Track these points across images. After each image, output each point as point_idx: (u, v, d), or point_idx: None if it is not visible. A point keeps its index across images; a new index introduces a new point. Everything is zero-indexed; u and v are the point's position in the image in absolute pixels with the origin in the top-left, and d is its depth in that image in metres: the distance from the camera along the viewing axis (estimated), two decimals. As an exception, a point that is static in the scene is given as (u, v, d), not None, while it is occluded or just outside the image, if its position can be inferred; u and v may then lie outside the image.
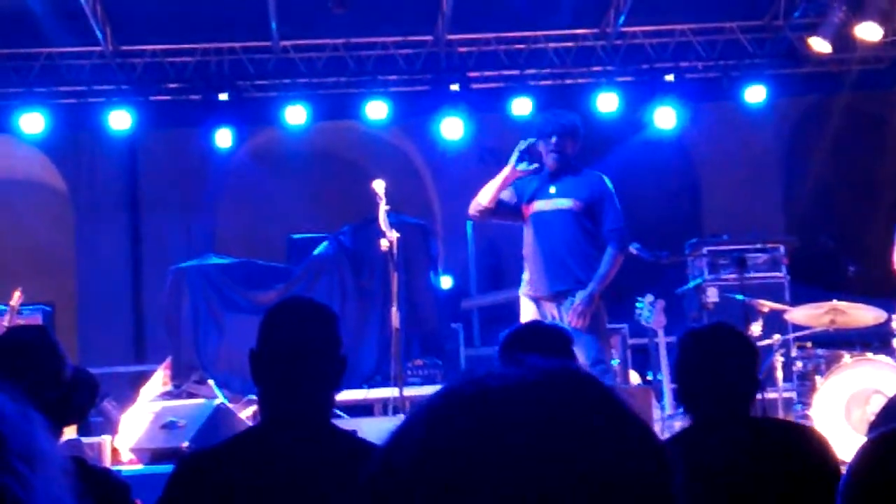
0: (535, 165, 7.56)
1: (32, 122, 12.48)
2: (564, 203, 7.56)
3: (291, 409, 3.25)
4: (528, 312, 7.65)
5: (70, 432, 9.05)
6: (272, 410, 3.29)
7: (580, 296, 7.39)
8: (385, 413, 10.13)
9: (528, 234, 7.70)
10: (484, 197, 7.66)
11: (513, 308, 9.86)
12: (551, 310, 7.53)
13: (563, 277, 7.49)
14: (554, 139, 7.57)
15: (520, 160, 7.53)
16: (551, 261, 7.53)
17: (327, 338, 3.33)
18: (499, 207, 7.69)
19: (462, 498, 1.05)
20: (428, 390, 10.30)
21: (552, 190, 7.63)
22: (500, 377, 1.12)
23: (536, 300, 7.59)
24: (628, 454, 1.09)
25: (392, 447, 1.13)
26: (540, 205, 7.62)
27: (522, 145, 7.57)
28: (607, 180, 7.70)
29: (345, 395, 10.31)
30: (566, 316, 7.42)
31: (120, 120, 12.62)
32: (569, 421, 1.08)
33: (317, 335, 3.32)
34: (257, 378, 3.29)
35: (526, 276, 7.71)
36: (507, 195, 7.69)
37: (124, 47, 12.55)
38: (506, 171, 7.57)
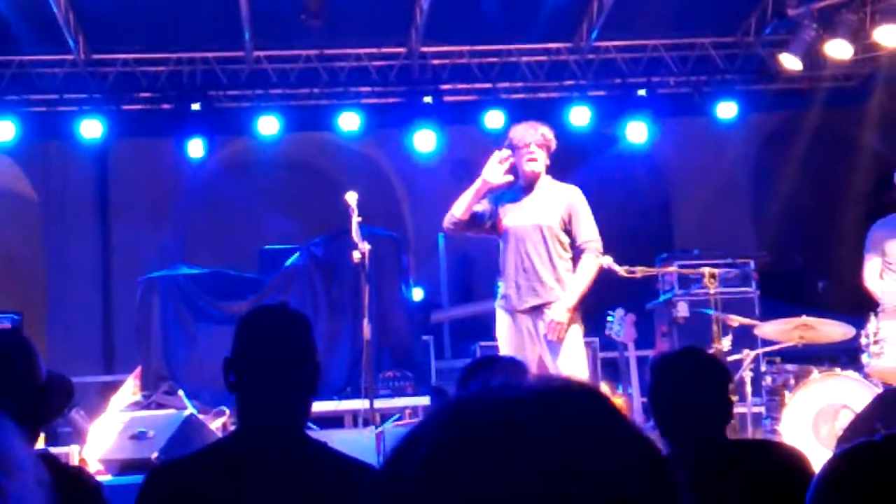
0: (510, 178, 7.57)
1: (3, 130, 12.38)
2: (539, 217, 7.57)
3: (268, 416, 3.25)
4: (503, 325, 7.65)
5: (38, 443, 8.99)
6: (248, 418, 3.28)
7: (556, 308, 7.40)
8: (355, 425, 10.11)
9: (503, 248, 7.69)
10: (458, 209, 7.65)
11: (484, 321, 9.86)
12: (527, 323, 7.52)
13: (539, 292, 7.49)
14: (532, 148, 7.59)
15: (492, 171, 7.54)
16: (527, 275, 7.52)
17: (302, 343, 3.34)
18: (473, 220, 7.68)
19: (465, 500, 1.04)
20: (398, 402, 10.30)
21: (526, 204, 7.63)
22: (513, 388, 1.13)
23: (512, 313, 7.59)
24: (642, 471, 1.10)
25: (402, 451, 1.12)
26: (515, 219, 7.62)
27: (496, 157, 7.57)
28: (580, 193, 7.72)
29: (315, 407, 10.24)
30: (543, 329, 7.43)
31: (91, 129, 12.56)
32: (583, 434, 1.09)
33: (292, 341, 3.33)
34: (232, 385, 3.28)
35: (501, 289, 7.71)
36: (481, 208, 7.67)
37: (96, 56, 12.51)
38: (478, 182, 7.57)
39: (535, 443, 1.06)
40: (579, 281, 7.47)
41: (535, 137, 7.63)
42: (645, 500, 1.08)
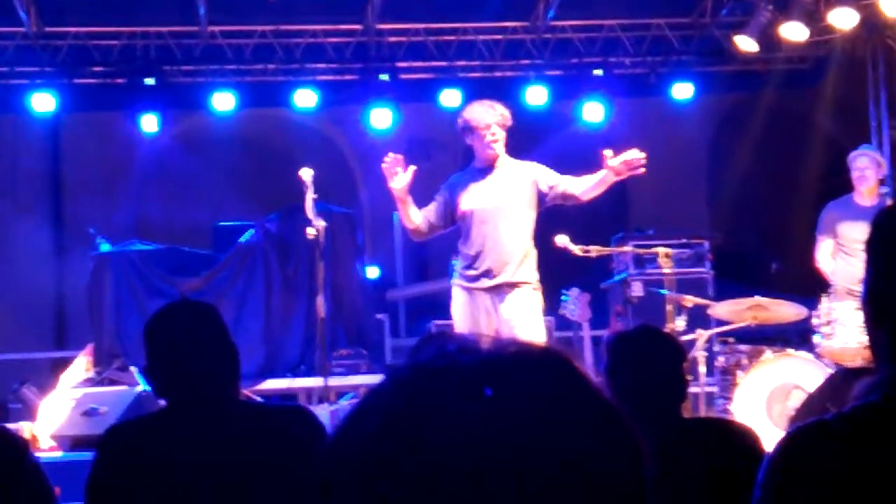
0: (412, 169, 7.52)
1: (-47, 103, 12.27)
2: (503, 198, 7.53)
3: (196, 404, 3.32)
4: (459, 302, 7.62)
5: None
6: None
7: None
8: (309, 402, 10.10)
9: (465, 230, 7.63)
10: (405, 221, 7.69)
11: (439, 299, 9.85)
12: (485, 301, 7.50)
13: (501, 271, 7.47)
14: (494, 129, 7.53)
15: (394, 181, 7.52)
16: (490, 255, 7.49)
17: (212, 333, 3.36)
18: (429, 222, 7.68)
19: (421, 467, 1.01)
20: (353, 381, 10.29)
21: (488, 185, 7.58)
22: (470, 352, 1.08)
23: (470, 291, 7.56)
24: (604, 438, 1.06)
25: (353, 420, 1.09)
26: (476, 201, 7.56)
27: (385, 167, 7.56)
28: (539, 164, 7.73)
29: (269, 384, 10.29)
30: (501, 307, 7.42)
31: (43, 102, 12.43)
32: (546, 398, 1.05)
33: (201, 335, 3.36)
34: (159, 391, 3.33)
35: (458, 266, 7.68)
36: (434, 206, 7.68)
37: (48, 29, 12.36)
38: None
39: (495, 409, 1.02)
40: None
41: (494, 118, 7.54)
42: (610, 465, 1.05)
